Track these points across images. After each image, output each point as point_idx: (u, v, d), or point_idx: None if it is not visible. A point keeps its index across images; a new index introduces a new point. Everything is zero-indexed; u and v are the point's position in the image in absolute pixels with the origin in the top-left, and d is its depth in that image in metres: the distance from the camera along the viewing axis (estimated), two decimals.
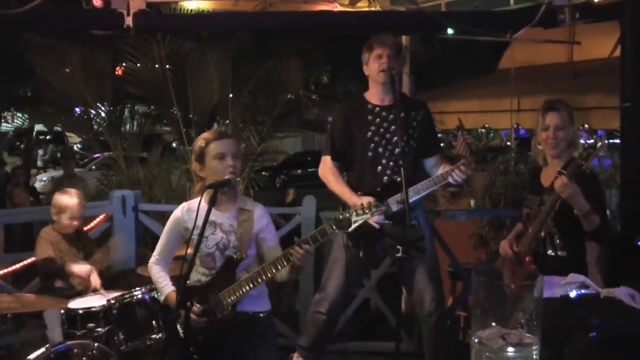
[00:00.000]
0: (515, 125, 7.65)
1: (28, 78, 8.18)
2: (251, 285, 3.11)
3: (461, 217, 5.34)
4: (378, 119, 4.00)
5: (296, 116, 7.73)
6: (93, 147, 7.53)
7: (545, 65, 8.01)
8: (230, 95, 6.56)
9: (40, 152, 26.97)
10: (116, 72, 6.70)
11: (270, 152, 7.55)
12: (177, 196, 6.73)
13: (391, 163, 3.96)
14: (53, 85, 6.63)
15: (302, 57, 7.17)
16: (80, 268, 4.35)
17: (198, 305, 3.11)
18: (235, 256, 3.19)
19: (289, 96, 7.11)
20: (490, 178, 6.62)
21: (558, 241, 3.43)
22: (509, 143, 8.48)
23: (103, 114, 6.79)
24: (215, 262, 3.22)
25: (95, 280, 4.39)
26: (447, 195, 7.17)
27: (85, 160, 20.19)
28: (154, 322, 3.84)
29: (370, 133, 3.98)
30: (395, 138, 3.89)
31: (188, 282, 3.08)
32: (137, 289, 3.95)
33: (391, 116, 3.97)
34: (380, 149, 3.98)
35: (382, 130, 3.98)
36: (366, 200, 3.63)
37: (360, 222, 3.12)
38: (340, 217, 3.12)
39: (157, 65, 6.46)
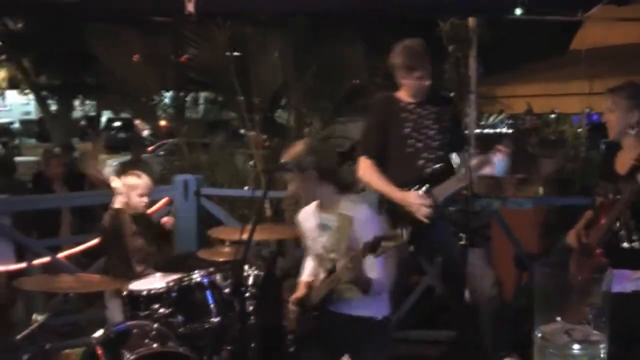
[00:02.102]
0: (587, 110, 7.36)
1: (94, 66, 8.29)
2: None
3: (527, 205, 5.16)
4: (413, 115, 4.02)
5: (363, 100, 7.57)
6: (160, 133, 7.55)
7: (620, 45, 7.66)
8: (292, 80, 6.51)
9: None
10: (181, 60, 6.72)
11: (333, 137, 7.45)
12: (240, 181, 6.74)
13: (431, 156, 3.99)
14: (116, 73, 6.72)
15: (368, 40, 7.04)
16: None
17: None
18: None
19: (353, 81, 7.00)
20: (559, 165, 6.40)
21: (635, 233, 3.25)
22: (580, 130, 8.17)
23: (167, 101, 6.86)
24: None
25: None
26: (515, 182, 6.96)
27: (154, 146, 20.57)
28: (212, 306, 3.85)
29: (407, 129, 4.00)
30: (433, 132, 3.97)
31: None
32: (197, 272, 3.97)
33: (425, 111, 4.03)
34: (420, 144, 3.99)
35: (418, 126, 4.01)
36: (413, 194, 3.80)
37: None
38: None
39: (220, 52, 6.44)
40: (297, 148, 3.26)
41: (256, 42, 6.61)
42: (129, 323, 3.76)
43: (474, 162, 3.91)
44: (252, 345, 3.90)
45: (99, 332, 3.70)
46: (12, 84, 27.49)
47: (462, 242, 3.57)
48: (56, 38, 9.27)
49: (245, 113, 6.53)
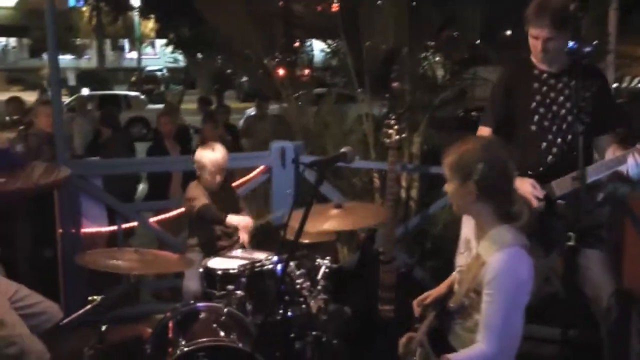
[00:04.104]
0: None
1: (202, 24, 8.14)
2: None
3: None
4: (545, 87, 3.42)
5: (483, 63, 6.87)
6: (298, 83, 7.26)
7: None
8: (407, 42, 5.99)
9: None
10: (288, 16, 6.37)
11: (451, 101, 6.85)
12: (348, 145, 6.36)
13: (559, 139, 3.40)
14: (222, 32, 6.55)
15: None
16: (237, 219, 4.24)
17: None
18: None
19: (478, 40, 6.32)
20: None
21: None
22: None
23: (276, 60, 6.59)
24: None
25: (244, 237, 4.29)
26: None
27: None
28: (286, 297, 3.59)
29: (534, 103, 3.42)
30: (564, 111, 3.36)
31: None
32: (271, 257, 3.74)
33: (560, 85, 3.39)
34: (546, 123, 3.41)
35: (548, 100, 3.41)
36: (528, 182, 3.27)
37: None
38: None
39: (329, 10, 6.04)
40: (466, 147, 2.67)
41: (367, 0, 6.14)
42: (201, 305, 3.63)
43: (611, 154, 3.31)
44: (325, 338, 3.62)
45: (176, 305, 3.66)
46: (162, 34, 28.62)
47: (571, 243, 3.04)
48: None
49: (354, 76, 6.14)
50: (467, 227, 2.84)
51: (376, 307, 4.48)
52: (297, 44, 6.89)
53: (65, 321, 3.18)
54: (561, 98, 3.41)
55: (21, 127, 5.62)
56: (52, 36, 4.59)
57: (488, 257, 2.55)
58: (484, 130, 3.58)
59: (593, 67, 3.58)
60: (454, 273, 2.99)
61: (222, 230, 4.43)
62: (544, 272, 3.62)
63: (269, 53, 6.43)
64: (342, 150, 2.77)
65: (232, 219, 4.23)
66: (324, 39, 6.51)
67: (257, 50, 6.36)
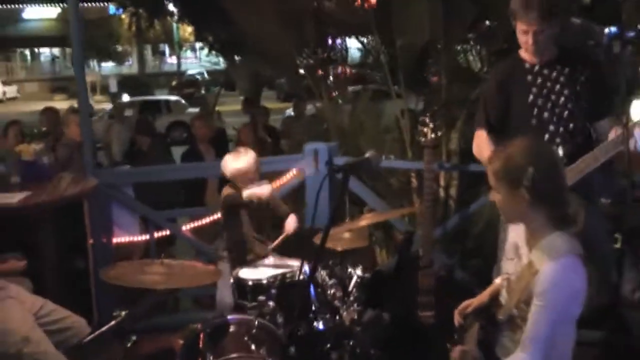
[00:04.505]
0: None
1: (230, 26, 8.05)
2: None
3: None
4: (539, 79, 3.40)
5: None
6: (341, 80, 7.12)
7: None
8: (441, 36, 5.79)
9: None
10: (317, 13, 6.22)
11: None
12: (386, 148, 6.21)
13: (561, 129, 3.37)
14: (250, 33, 6.43)
15: None
16: (252, 191, 3.97)
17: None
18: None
19: None
20: None
21: None
22: None
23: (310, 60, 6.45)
24: None
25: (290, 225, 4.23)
26: None
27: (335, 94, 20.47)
28: (312, 307, 3.46)
29: (532, 97, 3.40)
30: (562, 99, 3.35)
31: None
32: (301, 266, 3.59)
33: (554, 73, 3.38)
34: (546, 114, 3.38)
35: (545, 91, 3.38)
36: None
37: None
38: None
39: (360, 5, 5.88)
40: (510, 151, 2.46)
41: None
42: (232, 317, 3.50)
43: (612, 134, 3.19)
44: (359, 349, 3.46)
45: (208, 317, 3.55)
46: (200, 37, 28.72)
47: (617, 245, 2.85)
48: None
49: (387, 73, 5.96)
50: (515, 231, 2.66)
51: (415, 313, 4.32)
52: (329, 42, 6.74)
53: (87, 339, 3.07)
54: (558, 86, 3.39)
55: (49, 138, 5.59)
56: (78, 44, 4.54)
57: (541, 266, 2.37)
58: (481, 133, 3.57)
59: (582, 52, 3.68)
60: (496, 281, 2.84)
61: (255, 236, 4.31)
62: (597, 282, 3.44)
63: (301, 52, 6.32)
64: (366, 155, 2.60)
65: (247, 192, 3.95)
66: (356, 36, 6.37)
67: (289, 50, 6.23)
